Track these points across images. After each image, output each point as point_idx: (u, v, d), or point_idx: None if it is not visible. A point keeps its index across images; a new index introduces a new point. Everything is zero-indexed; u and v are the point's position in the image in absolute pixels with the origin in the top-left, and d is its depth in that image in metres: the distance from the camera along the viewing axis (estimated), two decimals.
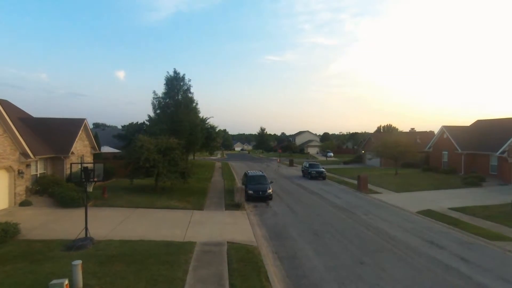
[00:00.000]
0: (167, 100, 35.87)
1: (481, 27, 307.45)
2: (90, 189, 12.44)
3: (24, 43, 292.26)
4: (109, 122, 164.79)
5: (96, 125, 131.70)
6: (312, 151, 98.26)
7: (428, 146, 40.48)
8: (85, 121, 24.66)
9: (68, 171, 14.53)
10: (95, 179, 12.19)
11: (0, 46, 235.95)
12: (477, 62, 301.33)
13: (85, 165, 12.32)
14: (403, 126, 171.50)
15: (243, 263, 10.28)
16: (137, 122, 42.44)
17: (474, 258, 11.09)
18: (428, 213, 17.74)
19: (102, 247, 11.03)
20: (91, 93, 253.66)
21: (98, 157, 29.86)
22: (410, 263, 10.64)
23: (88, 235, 11.62)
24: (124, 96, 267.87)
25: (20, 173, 16.94)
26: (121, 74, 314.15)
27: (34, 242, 11.24)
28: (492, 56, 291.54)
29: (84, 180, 11.73)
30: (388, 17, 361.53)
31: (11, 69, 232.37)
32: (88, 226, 12.11)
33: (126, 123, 44.52)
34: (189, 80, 36.63)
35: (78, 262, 8.00)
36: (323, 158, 71.72)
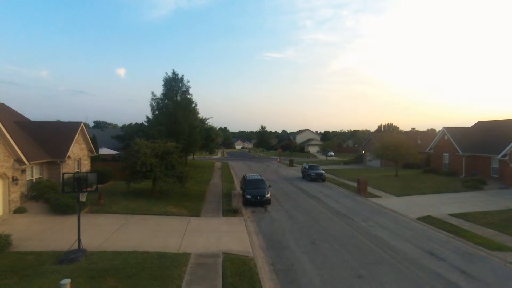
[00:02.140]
0: (166, 101, 35.64)
1: (484, 26, 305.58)
2: (83, 198, 12.21)
3: (25, 41, 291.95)
4: (110, 120, 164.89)
5: (97, 123, 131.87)
6: (313, 150, 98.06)
7: (429, 148, 40.18)
8: (82, 124, 24.41)
9: (65, 179, 14.28)
10: (88, 189, 11.98)
11: (0, 43, 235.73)
12: (480, 60, 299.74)
13: (78, 173, 12.12)
14: (404, 124, 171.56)
15: (238, 277, 10.06)
16: (136, 123, 42.26)
17: (475, 272, 10.84)
18: (428, 220, 17.49)
19: (94, 259, 10.81)
20: (92, 91, 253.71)
21: (95, 160, 29.68)
22: (409, 277, 10.40)
23: (81, 247, 11.41)
24: (125, 93, 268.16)
25: (14, 180, 16.74)
26: (121, 71, 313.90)
27: (25, 255, 11.03)
28: (496, 55, 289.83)
29: (77, 190, 11.54)
30: (389, 13, 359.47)
31: (11, 67, 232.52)
32: (82, 235, 11.92)
33: (127, 121, 44.65)
34: (188, 81, 36.51)
35: (67, 282, 7.78)
36: (324, 158, 71.49)
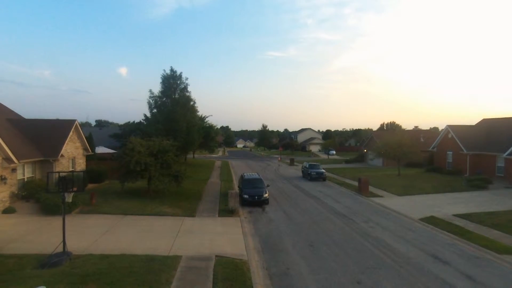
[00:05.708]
0: (164, 99, 35.05)
1: (487, 22, 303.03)
2: (69, 199, 11.65)
3: (27, 41, 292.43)
4: (112, 119, 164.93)
5: (99, 122, 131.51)
6: (314, 148, 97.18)
7: (432, 146, 39.39)
8: (76, 122, 23.89)
9: (54, 179, 13.74)
10: (74, 189, 11.43)
11: (2, 43, 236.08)
12: (485, 57, 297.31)
13: (63, 173, 11.58)
14: (407, 123, 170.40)
15: (230, 282, 9.48)
16: (134, 122, 41.73)
17: (481, 276, 10.20)
18: (432, 221, 16.83)
19: (79, 263, 10.25)
20: (94, 90, 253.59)
21: (92, 158, 29.16)
22: (411, 283, 9.75)
23: (66, 250, 10.86)
24: (127, 92, 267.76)
25: (2, 179, 16.22)
26: (123, 70, 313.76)
27: (7, 258, 10.47)
28: (500, 52, 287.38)
29: (61, 190, 10.98)
30: (392, 11, 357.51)
31: (14, 66, 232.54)
32: (70, 237, 11.41)
33: (129, 119, 44.07)
34: (186, 79, 35.89)
35: None
36: (325, 156, 70.75)
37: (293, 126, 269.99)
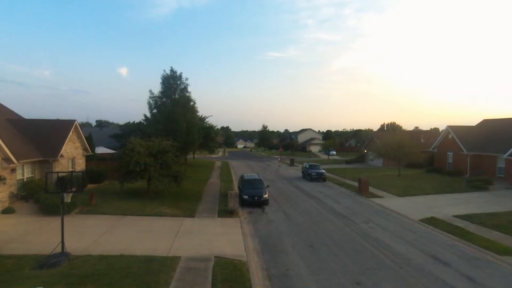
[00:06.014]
0: (164, 99, 35.05)
1: (487, 22, 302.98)
2: (68, 199, 11.62)
3: (27, 40, 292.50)
4: (112, 119, 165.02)
5: (99, 123, 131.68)
6: (315, 149, 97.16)
7: (432, 147, 39.34)
8: (76, 122, 23.88)
9: (54, 179, 13.69)
10: (73, 189, 11.40)
11: (2, 43, 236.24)
12: (486, 58, 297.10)
13: (62, 173, 11.57)
14: (407, 123, 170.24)
15: (229, 283, 9.44)
16: (134, 122, 41.73)
17: (482, 278, 10.14)
18: (432, 222, 16.77)
19: (77, 264, 10.21)
20: (94, 90, 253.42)
21: (91, 159, 29.14)
22: (411, 284, 9.70)
23: (64, 250, 10.82)
24: (128, 92, 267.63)
25: (2, 179, 16.19)
26: (124, 70, 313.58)
27: (5, 259, 10.43)
28: (502, 52, 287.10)
29: (60, 190, 10.95)
30: (392, 12, 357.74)
31: (13, 66, 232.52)
32: (69, 238, 11.37)
33: (130, 120, 44.09)
34: (186, 79, 35.87)
35: None
36: (326, 157, 70.73)
37: (293, 126, 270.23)
